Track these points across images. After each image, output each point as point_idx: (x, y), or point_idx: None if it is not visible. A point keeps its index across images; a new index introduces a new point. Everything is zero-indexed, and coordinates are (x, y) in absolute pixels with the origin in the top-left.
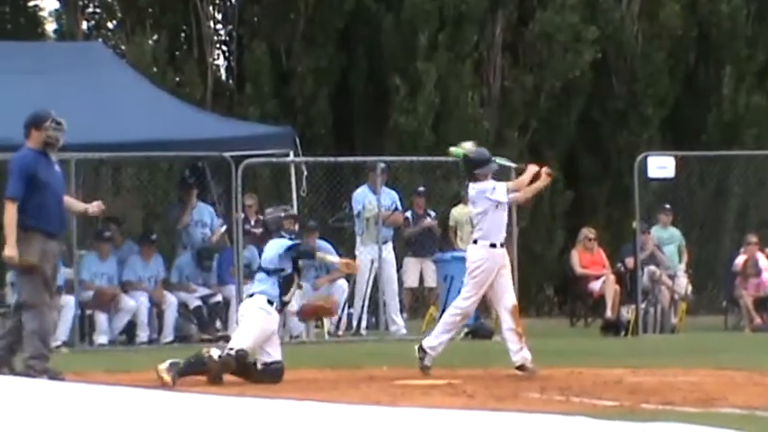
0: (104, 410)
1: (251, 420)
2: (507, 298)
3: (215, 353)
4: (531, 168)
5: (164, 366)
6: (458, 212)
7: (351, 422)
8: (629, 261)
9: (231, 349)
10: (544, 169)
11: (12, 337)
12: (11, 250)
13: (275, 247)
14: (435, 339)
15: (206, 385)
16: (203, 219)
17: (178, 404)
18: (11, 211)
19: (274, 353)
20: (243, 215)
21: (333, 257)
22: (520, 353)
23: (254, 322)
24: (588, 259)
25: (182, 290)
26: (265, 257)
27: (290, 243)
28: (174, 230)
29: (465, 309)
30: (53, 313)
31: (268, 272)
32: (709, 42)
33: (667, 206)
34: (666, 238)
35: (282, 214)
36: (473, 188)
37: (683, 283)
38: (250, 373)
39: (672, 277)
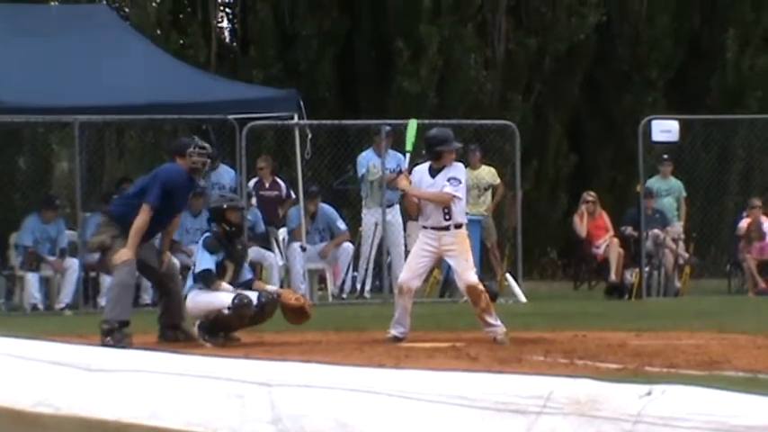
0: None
1: (260, 381)
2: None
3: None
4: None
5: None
6: None
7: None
8: (631, 228)
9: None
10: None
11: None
12: (127, 254)
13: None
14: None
15: (199, 348)
16: (221, 181)
17: (182, 365)
18: (144, 216)
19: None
20: (256, 178)
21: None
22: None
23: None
24: (591, 223)
25: (182, 252)
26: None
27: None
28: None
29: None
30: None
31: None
32: (714, 5)
33: (665, 156)
34: (665, 190)
35: (225, 205)
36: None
37: (678, 229)
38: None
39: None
